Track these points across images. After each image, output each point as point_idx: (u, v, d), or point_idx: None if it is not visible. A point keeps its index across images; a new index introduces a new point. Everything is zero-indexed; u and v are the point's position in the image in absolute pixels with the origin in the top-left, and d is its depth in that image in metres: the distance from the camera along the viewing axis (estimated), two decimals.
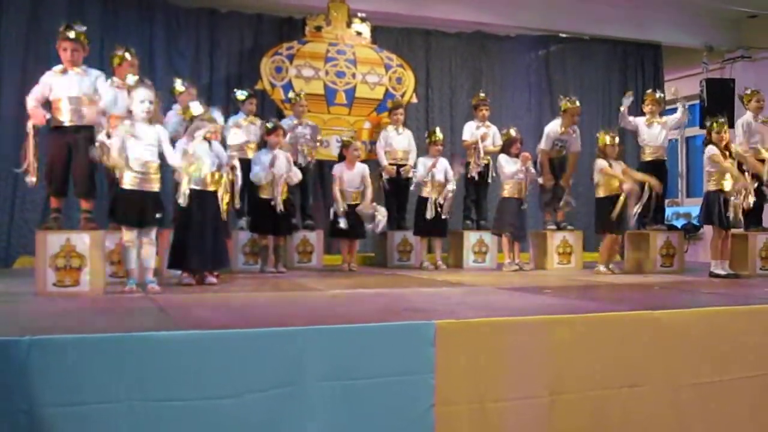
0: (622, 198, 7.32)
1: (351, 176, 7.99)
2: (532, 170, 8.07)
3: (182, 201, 5.68)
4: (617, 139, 7.66)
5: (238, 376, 3.09)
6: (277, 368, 3.17)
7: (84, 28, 5.65)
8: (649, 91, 8.95)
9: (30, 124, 5.49)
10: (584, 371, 3.76)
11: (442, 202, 8.22)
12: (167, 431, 2.96)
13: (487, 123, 8.91)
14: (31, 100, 5.51)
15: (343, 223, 7.81)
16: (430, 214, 8.18)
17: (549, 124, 8.70)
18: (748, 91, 8.30)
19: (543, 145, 8.55)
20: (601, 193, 7.61)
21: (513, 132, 8.23)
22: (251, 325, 3.37)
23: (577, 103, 8.55)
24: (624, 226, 7.61)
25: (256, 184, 7.32)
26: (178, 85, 7.37)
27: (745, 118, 8.11)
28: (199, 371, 3.03)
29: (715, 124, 7.20)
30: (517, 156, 8.02)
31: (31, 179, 5.48)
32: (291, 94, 8.71)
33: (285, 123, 8.11)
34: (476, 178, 8.63)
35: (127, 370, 2.93)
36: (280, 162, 7.35)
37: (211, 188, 5.90)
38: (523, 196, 8.04)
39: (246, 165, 7.49)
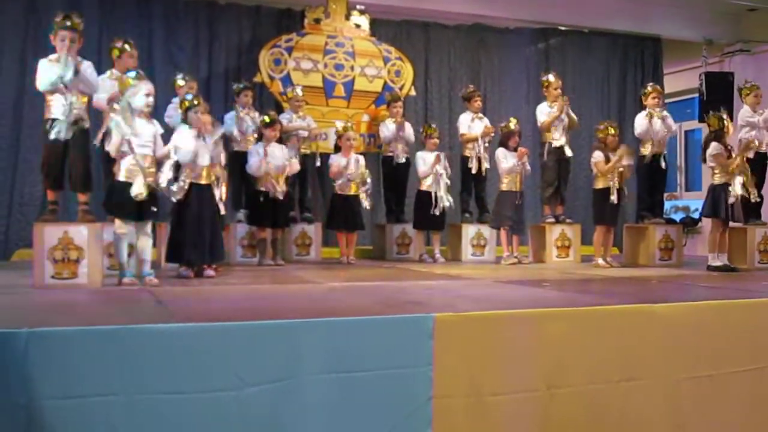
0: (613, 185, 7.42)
1: (349, 165, 7.97)
2: (528, 166, 8.05)
3: (178, 195, 5.70)
4: (617, 131, 7.68)
5: (236, 368, 3.08)
6: (276, 361, 3.17)
7: (80, 19, 5.63)
8: (651, 83, 8.92)
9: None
10: (582, 365, 3.76)
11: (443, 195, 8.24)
12: (166, 424, 2.96)
13: (480, 114, 8.90)
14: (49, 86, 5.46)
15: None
16: (438, 209, 8.20)
17: (537, 109, 8.75)
18: (748, 85, 8.31)
19: (542, 121, 8.58)
20: (598, 184, 7.63)
21: (512, 125, 8.19)
22: (250, 317, 3.36)
23: (555, 79, 8.67)
24: (617, 219, 7.75)
25: (253, 175, 7.31)
26: (179, 79, 7.36)
27: (743, 111, 8.11)
28: (197, 364, 3.03)
29: (718, 120, 7.18)
30: (515, 149, 8.01)
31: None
32: (289, 89, 8.68)
33: (283, 117, 8.11)
34: (477, 169, 8.64)
35: (125, 362, 2.93)
36: (277, 155, 7.34)
37: (207, 182, 5.89)
38: (520, 189, 8.02)
39: (244, 157, 7.52)
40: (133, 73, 5.56)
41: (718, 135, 7.16)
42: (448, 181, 8.35)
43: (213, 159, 5.89)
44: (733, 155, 7.07)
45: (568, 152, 8.50)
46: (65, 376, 2.85)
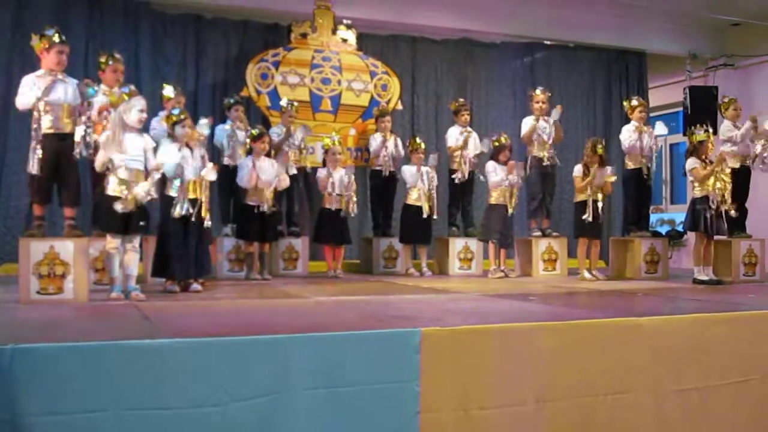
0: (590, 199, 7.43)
1: (334, 180, 7.98)
2: (517, 179, 8.08)
3: (179, 210, 5.69)
4: (599, 147, 7.70)
5: (224, 384, 3.07)
6: (263, 376, 3.17)
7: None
8: (636, 97, 8.97)
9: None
10: (569, 378, 3.76)
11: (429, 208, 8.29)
12: None
13: (468, 128, 8.94)
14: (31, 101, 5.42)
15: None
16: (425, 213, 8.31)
17: (523, 122, 8.79)
18: (726, 100, 8.45)
19: (522, 133, 8.65)
20: (579, 198, 7.65)
21: (503, 139, 8.24)
22: (237, 332, 3.35)
23: (542, 92, 8.72)
24: (599, 232, 7.75)
25: (243, 187, 7.29)
26: (169, 91, 7.31)
27: (723, 126, 8.22)
28: (184, 379, 3.02)
29: (698, 135, 7.24)
30: (505, 163, 8.04)
31: None
32: (284, 101, 8.65)
33: (273, 132, 8.11)
34: (462, 180, 8.65)
35: (111, 378, 2.91)
36: (266, 168, 7.33)
37: (193, 196, 5.87)
38: (510, 203, 8.04)
39: (233, 171, 7.51)
40: (126, 89, 5.52)
41: (697, 149, 7.22)
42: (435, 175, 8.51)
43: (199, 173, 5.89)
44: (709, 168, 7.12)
45: (550, 163, 8.54)
46: (50, 393, 2.83)
